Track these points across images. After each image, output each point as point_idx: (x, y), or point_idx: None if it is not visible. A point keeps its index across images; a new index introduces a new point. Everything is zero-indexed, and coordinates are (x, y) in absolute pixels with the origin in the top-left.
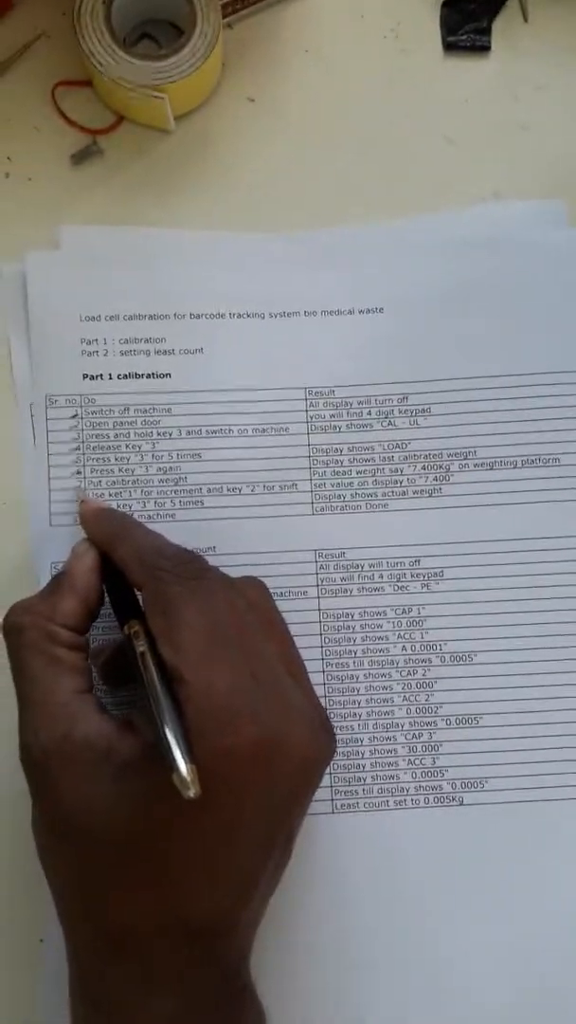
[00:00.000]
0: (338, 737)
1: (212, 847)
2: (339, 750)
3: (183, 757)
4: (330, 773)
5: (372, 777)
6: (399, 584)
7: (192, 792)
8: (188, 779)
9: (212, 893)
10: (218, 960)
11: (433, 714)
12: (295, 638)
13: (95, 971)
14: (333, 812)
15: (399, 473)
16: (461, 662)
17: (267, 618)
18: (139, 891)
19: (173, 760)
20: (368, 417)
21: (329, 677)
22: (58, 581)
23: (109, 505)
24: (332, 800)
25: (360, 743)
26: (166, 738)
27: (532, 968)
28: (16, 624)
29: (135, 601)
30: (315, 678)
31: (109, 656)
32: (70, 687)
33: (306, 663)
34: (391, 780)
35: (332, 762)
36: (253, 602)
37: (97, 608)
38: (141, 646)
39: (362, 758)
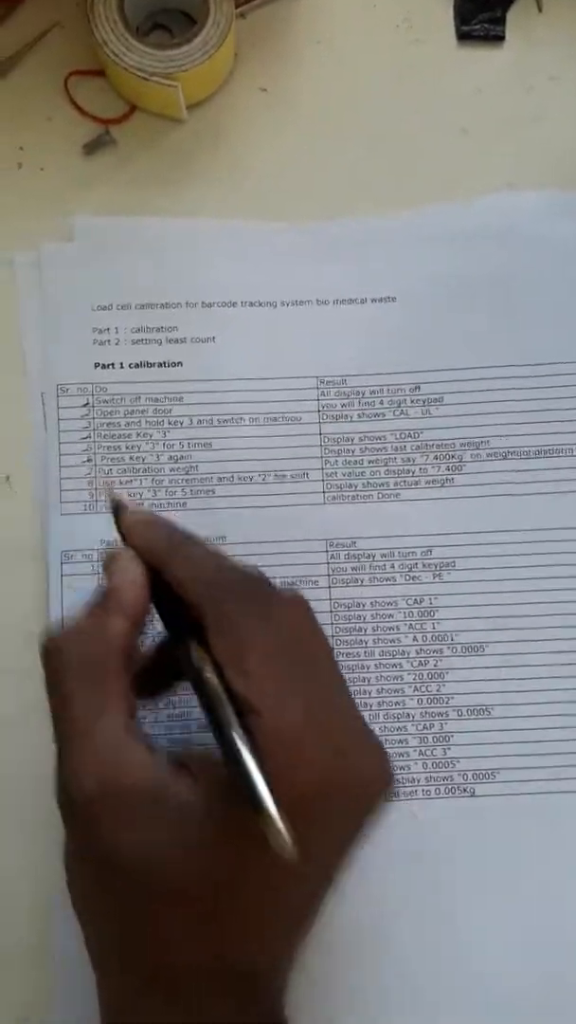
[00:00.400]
0: None
1: (273, 891)
2: None
3: (278, 812)
4: None
5: None
6: (411, 574)
7: (289, 848)
8: (286, 837)
9: (266, 936)
10: (261, 999)
11: (444, 704)
12: None
13: (132, 1013)
14: None
15: (411, 463)
16: (473, 652)
17: (316, 637)
18: (188, 937)
19: (269, 818)
20: (380, 406)
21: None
22: (103, 598)
23: (157, 514)
24: None
25: None
26: (256, 789)
27: (547, 960)
28: (57, 646)
29: (186, 618)
30: None
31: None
32: (117, 722)
33: None
34: (402, 771)
35: None
36: (300, 619)
37: (143, 627)
38: (209, 672)
39: None
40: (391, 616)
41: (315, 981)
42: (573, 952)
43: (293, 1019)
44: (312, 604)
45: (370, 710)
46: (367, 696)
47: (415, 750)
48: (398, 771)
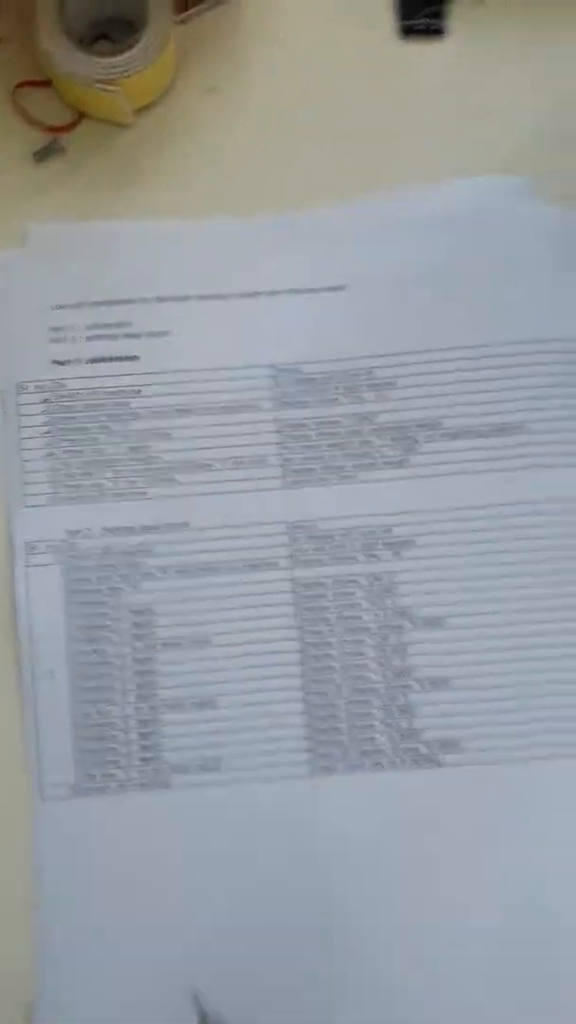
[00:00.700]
0: (315, 703)
1: None
2: (316, 715)
3: None
4: (308, 737)
5: (349, 739)
6: (371, 553)
7: None
8: None
9: None
10: None
11: (407, 677)
12: (268, 608)
13: None
14: (312, 775)
15: (368, 445)
16: (433, 627)
17: None
18: None
19: None
20: (335, 392)
21: (304, 644)
22: None
23: None
24: (311, 763)
25: (336, 707)
26: None
27: (517, 930)
28: None
29: None
30: (289, 646)
31: None
32: None
33: (280, 632)
34: (368, 742)
35: (310, 726)
36: None
37: None
38: None
39: (339, 721)
40: (352, 594)
41: (274, 959)
42: (546, 917)
43: (281, 989)
44: (273, 585)
45: (334, 684)
46: (331, 672)
47: (380, 723)
48: (364, 742)
